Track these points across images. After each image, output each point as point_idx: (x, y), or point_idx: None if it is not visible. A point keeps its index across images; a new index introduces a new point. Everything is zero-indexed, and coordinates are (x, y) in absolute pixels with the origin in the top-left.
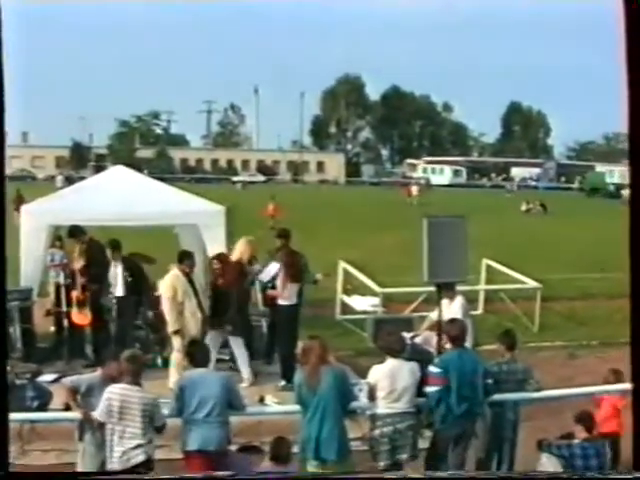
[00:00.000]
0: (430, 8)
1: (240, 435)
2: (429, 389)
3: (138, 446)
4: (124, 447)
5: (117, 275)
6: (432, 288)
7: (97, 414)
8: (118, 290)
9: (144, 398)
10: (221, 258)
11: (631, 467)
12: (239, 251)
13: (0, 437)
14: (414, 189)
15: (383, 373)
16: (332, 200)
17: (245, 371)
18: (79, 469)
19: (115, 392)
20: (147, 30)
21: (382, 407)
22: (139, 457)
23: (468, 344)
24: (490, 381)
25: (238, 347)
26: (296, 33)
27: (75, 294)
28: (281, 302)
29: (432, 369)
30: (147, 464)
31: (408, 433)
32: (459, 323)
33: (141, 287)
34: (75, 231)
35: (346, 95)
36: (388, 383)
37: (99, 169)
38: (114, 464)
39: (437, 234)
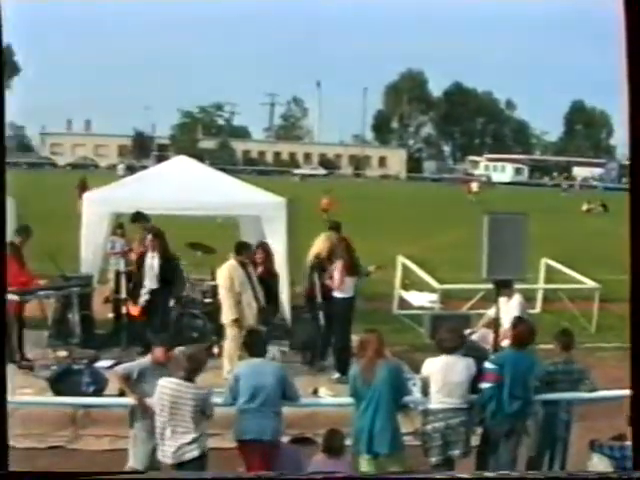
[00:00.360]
0: (494, 3)
1: (293, 426)
2: (483, 385)
3: (193, 441)
4: (178, 442)
5: (153, 266)
6: (491, 285)
7: (153, 402)
8: (152, 281)
9: (197, 394)
10: (264, 247)
11: None
12: (318, 246)
13: (0, 437)
14: (474, 186)
15: (437, 366)
16: (393, 195)
17: None
18: (130, 455)
19: (167, 387)
20: (212, 22)
21: (435, 402)
22: (194, 452)
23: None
24: (538, 383)
25: None
26: (360, 27)
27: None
28: (337, 295)
29: (487, 365)
30: (201, 459)
31: (460, 429)
32: (524, 325)
33: (173, 278)
34: (138, 217)
35: (409, 90)
36: (441, 377)
37: (161, 159)
38: (167, 458)
39: (497, 231)
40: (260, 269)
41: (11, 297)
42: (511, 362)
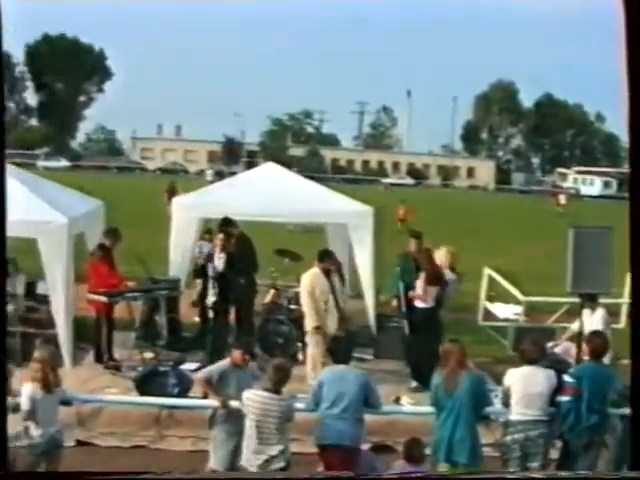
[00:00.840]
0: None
1: (374, 434)
2: (561, 398)
3: (279, 453)
4: (264, 454)
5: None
6: (576, 299)
7: (235, 404)
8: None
9: (282, 405)
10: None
11: None
12: (438, 260)
13: (0, 437)
14: (562, 198)
15: (517, 377)
16: (481, 206)
17: None
18: (210, 457)
19: (253, 399)
20: (302, 30)
21: (515, 413)
22: (280, 463)
23: (607, 358)
24: (617, 397)
25: None
26: (450, 36)
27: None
28: (418, 305)
29: (566, 378)
30: (285, 469)
31: (539, 441)
32: (602, 336)
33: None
34: (226, 223)
35: (499, 101)
36: (522, 387)
37: (250, 165)
38: (253, 467)
39: (583, 244)
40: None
41: (100, 298)
42: (589, 375)
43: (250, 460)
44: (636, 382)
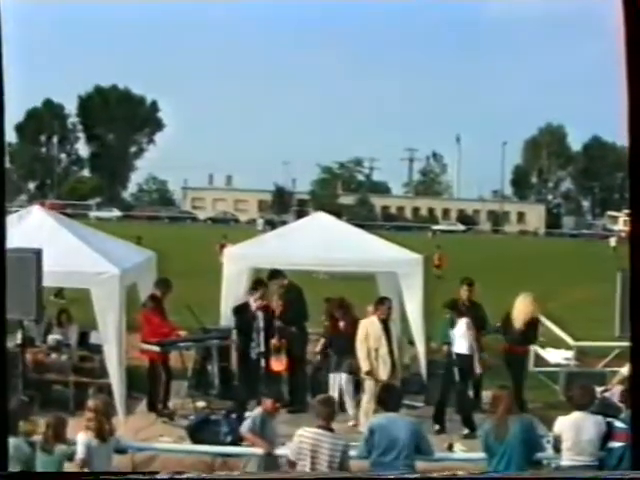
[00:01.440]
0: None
1: None
2: (614, 444)
3: None
4: None
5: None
6: (626, 343)
7: (289, 452)
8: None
9: (335, 444)
10: (343, 304)
11: None
12: (521, 311)
13: (0, 437)
14: (612, 241)
15: (568, 424)
16: (531, 251)
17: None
18: None
19: (307, 435)
20: (350, 77)
21: (566, 459)
22: None
23: None
24: None
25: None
26: (497, 81)
27: (273, 340)
28: (459, 351)
29: (618, 424)
30: None
31: None
32: None
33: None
34: (275, 274)
35: (548, 145)
36: (573, 434)
37: (301, 214)
38: None
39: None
40: (341, 325)
41: (152, 348)
42: None
43: None
44: (636, 382)
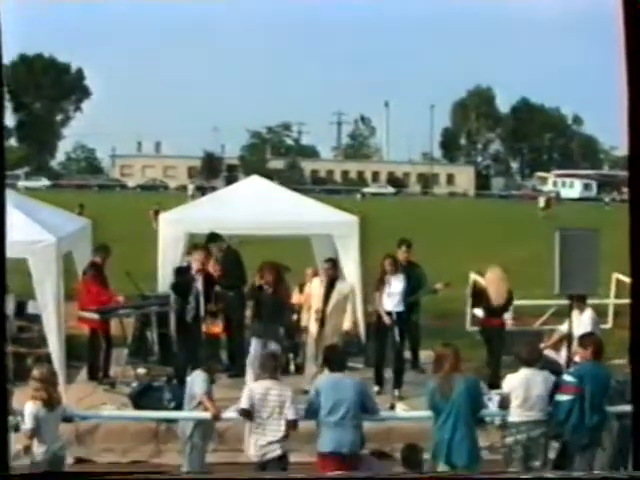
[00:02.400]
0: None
1: (370, 442)
2: (561, 398)
3: (275, 441)
4: (262, 442)
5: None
6: (561, 301)
7: (241, 404)
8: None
9: (282, 392)
10: (270, 266)
11: None
12: (497, 285)
13: (0, 437)
14: (541, 201)
15: (518, 381)
16: (462, 213)
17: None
18: (186, 464)
19: (256, 387)
20: (278, 41)
21: (517, 415)
22: (276, 452)
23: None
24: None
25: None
26: (426, 42)
27: (210, 304)
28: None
29: (567, 378)
30: (282, 459)
31: (540, 441)
32: (595, 338)
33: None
34: (214, 238)
35: (476, 107)
36: (522, 391)
37: (231, 179)
38: (252, 457)
39: (569, 246)
40: (270, 290)
41: (92, 316)
42: (590, 375)
43: (249, 449)
44: (636, 382)
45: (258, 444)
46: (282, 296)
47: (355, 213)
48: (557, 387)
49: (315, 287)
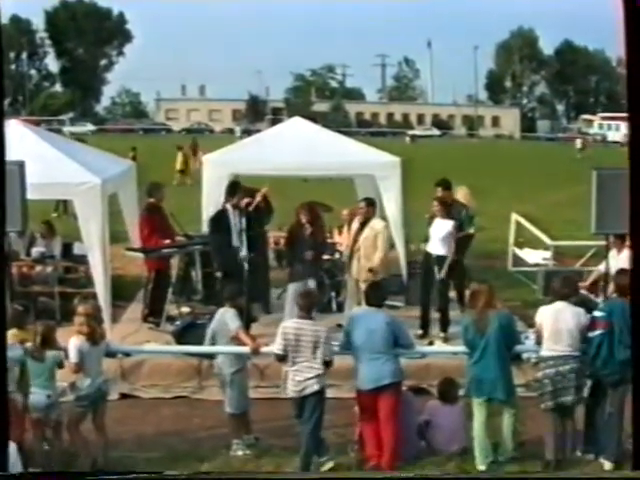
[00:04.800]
0: None
1: (408, 378)
2: (593, 333)
3: (313, 377)
4: (299, 377)
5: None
6: (603, 242)
7: (275, 348)
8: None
9: (316, 330)
10: (310, 208)
11: None
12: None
13: (0, 437)
14: (578, 142)
15: (548, 313)
16: (507, 155)
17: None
18: (229, 401)
19: (289, 326)
20: None
21: (545, 349)
22: (314, 387)
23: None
24: None
25: None
26: None
27: None
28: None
29: (596, 313)
30: (320, 394)
31: (570, 376)
32: (627, 274)
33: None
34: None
35: (520, 49)
36: (551, 322)
37: (275, 122)
38: (289, 393)
39: (605, 186)
40: (309, 231)
41: (136, 254)
42: (619, 310)
43: (287, 386)
44: (636, 382)
45: (296, 380)
46: (319, 236)
47: (405, 157)
48: (590, 325)
49: (354, 226)
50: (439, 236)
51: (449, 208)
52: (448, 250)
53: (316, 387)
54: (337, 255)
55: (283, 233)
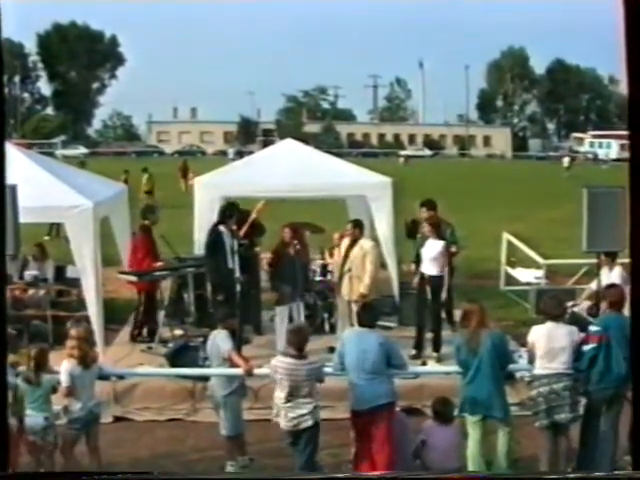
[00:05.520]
0: None
1: (402, 398)
2: (585, 347)
3: (307, 413)
4: (292, 414)
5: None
6: (594, 260)
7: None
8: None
9: (311, 369)
10: (294, 228)
11: None
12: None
13: (0, 437)
14: (565, 161)
15: (540, 333)
16: (498, 174)
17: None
18: (224, 425)
19: (281, 366)
20: (312, 6)
21: (539, 368)
22: (308, 422)
23: (626, 313)
24: None
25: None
26: (458, 5)
27: None
28: (431, 272)
29: (591, 328)
30: (315, 427)
31: (564, 394)
32: (618, 288)
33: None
34: (233, 207)
35: (511, 68)
36: (544, 343)
37: (267, 144)
38: (283, 427)
39: (596, 204)
40: (292, 250)
41: (130, 278)
42: (615, 324)
43: (281, 420)
44: (636, 382)
45: (289, 416)
46: (303, 256)
47: (397, 177)
48: (584, 339)
49: (343, 248)
50: (431, 256)
51: (439, 228)
52: (441, 270)
53: (310, 422)
54: (329, 276)
55: None
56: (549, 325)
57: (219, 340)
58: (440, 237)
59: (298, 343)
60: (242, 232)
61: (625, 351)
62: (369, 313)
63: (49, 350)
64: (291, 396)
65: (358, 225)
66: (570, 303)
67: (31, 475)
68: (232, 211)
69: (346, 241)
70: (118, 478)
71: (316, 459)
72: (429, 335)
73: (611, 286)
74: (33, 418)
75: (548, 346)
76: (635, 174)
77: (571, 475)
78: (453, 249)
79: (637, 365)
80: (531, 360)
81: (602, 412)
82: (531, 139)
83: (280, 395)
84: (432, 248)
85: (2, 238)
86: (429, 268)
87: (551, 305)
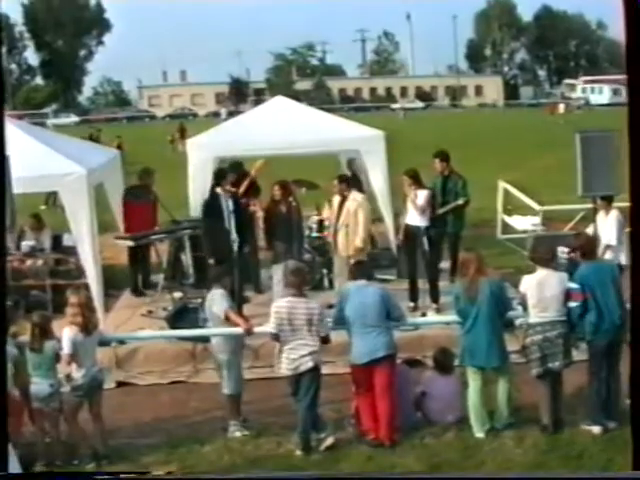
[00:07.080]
0: None
1: (402, 350)
2: (571, 304)
3: (307, 354)
4: (293, 355)
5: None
6: (590, 205)
7: (270, 327)
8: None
9: (309, 307)
10: (283, 185)
11: None
12: None
13: (0, 437)
14: (560, 107)
15: (532, 282)
16: (491, 123)
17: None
18: (226, 383)
19: (282, 305)
20: None
21: (532, 316)
22: (308, 364)
23: (623, 259)
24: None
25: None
26: None
27: None
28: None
29: (570, 285)
30: (315, 370)
31: (558, 341)
32: (584, 235)
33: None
34: (237, 166)
35: (498, 17)
36: (536, 292)
37: (258, 103)
38: (283, 372)
39: (589, 148)
40: (283, 207)
41: (126, 242)
42: (595, 273)
43: (282, 364)
44: (635, 382)
45: (290, 358)
46: (294, 212)
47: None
48: (567, 296)
49: (335, 203)
50: (416, 207)
51: (419, 179)
52: (426, 220)
53: (310, 364)
54: (326, 232)
55: None
56: (540, 273)
57: (216, 299)
58: (422, 186)
59: (297, 283)
60: (241, 191)
61: (616, 296)
62: (362, 270)
63: (51, 318)
64: (292, 337)
65: (344, 180)
66: (567, 249)
67: (31, 475)
68: (232, 171)
69: (337, 198)
70: (118, 478)
71: (318, 413)
72: (426, 286)
73: (577, 234)
74: (39, 385)
75: (540, 295)
76: (634, 117)
77: (571, 475)
78: (460, 201)
79: (635, 363)
80: (524, 308)
81: (603, 359)
82: (523, 87)
83: (281, 339)
84: (417, 198)
85: (2, 210)
86: (415, 219)
87: (540, 251)
